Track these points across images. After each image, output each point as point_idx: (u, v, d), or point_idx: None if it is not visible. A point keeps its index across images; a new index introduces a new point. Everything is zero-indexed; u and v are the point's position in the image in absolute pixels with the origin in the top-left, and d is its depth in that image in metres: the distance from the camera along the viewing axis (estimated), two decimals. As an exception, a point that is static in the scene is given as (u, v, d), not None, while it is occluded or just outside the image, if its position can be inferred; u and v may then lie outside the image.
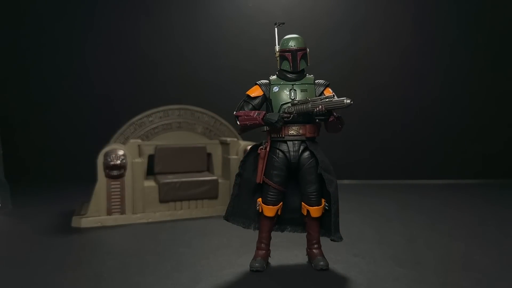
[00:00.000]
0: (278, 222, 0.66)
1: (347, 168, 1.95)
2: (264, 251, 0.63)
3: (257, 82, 0.64)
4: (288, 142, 0.61)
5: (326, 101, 0.57)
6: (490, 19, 2.04)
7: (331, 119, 0.60)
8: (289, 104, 0.60)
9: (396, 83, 2.06)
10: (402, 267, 0.66)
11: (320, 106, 0.57)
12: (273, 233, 0.65)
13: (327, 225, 0.61)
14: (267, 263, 0.64)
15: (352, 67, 2.03)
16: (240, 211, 0.65)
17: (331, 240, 0.62)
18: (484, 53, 2.05)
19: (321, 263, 0.61)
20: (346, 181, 1.92)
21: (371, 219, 1.23)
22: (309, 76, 0.64)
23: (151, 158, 1.45)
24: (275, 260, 0.63)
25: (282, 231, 0.67)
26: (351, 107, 0.56)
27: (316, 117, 0.59)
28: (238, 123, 0.60)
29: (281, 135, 0.61)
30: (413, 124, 2.05)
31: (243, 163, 0.63)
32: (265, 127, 0.59)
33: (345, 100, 0.56)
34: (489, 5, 2.04)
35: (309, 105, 0.58)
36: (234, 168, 1.36)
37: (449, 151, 2.03)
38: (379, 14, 2.06)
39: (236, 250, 0.70)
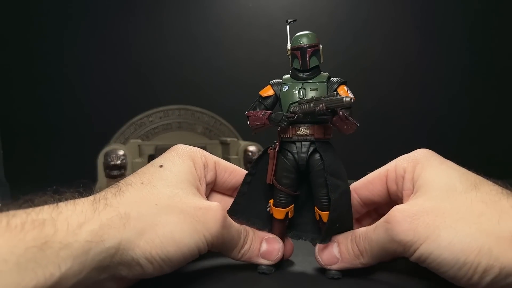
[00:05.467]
0: (297, 229, 0.63)
1: (347, 168, 1.95)
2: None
3: (270, 82, 0.60)
4: (297, 143, 0.57)
5: (327, 100, 0.52)
6: (495, 19, 2.04)
7: (334, 118, 0.55)
8: (297, 104, 0.57)
9: (399, 83, 2.06)
10: (402, 266, 0.65)
11: (321, 105, 0.52)
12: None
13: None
14: (277, 266, 0.61)
15: (353, 67, 2.03)
16: (253, 211, 0.62)
17: (310, 240, 0.60)
18: (489, 53, 2.05)
19: (333, 271, 0.58)
20: (346, 181, 1.91)
21: (371, 219, 1.22)
22: (323, 74, 0.59)
23: (151, 158, 1.44)
24: (286, 263, 0.62)
25: (298, 238, 0.64)
26: (355, 107, 0.53)
27: (318, 117, 0.55)
28: (248, 123, 0.58)
29: (289, 135, 0.57)
30: (415, 125, 2.05)
31: (255, 163, 0.60)
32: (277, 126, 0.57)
33: (344, 98, 0.51)
34: (493, 6, 2.04)
35: (312, 104, 0.54)
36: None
37: (450, 151, 2.03)
38: (381, 15, 2.06)
39: (237, 250, 0.69)
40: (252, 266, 0.60)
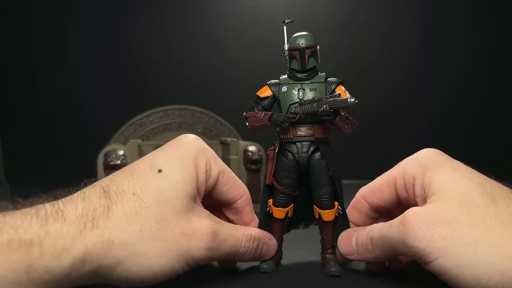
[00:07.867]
0: (294, 223, 0.64)
1: (348, 167, 1.95)
2: (275, 253, 0.61)
3: (267, 82, 0.60)
4: (297, 144, 0.57)
5: (330, 100, 0.53)
6: (494, 19, 2.04)
7: (337, 119, 0.56)
8: (297, 104, 0.57)
9: (398, 83, 2.06)
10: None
11: (324, 106, 0.53)
12: (289, 234, 0.63)
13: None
14: (278, 265, 0.62)
15: (353, 67, 2.03)
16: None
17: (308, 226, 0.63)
18: (490, 53, 2.05)
19: (333, 268, 0.58)
20: (346, 181, 1.91)
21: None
22: (321, 74, 0.59)
23: (151, 158, 1.44)
24: (286, 263, 0.62)
25: (297, 228, 0.66)
26: (355, 107, 0.53)
27: (321, 117, 0.55)
28: (247, 124, 0.58)
29: (290, 136, 0.58)
30: (415, 124, 2.05)
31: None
32: (277, 127, 0.57)
33: (349, 99, 0.51)
34: (493, 5, 2.04)
35: (314, 105, 0.54)
36: (234, 168, 1.36)
37: (450, 151, 2.03)
38: (381, 14, 2.06)
39: (236, 250, 0.69)
40: (252, 266, 0.60)
